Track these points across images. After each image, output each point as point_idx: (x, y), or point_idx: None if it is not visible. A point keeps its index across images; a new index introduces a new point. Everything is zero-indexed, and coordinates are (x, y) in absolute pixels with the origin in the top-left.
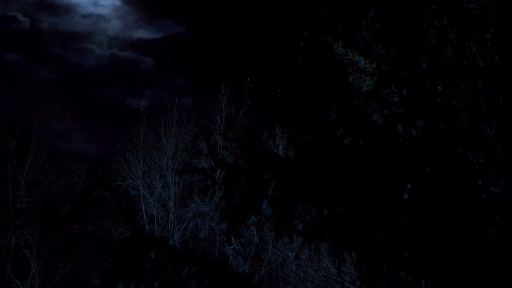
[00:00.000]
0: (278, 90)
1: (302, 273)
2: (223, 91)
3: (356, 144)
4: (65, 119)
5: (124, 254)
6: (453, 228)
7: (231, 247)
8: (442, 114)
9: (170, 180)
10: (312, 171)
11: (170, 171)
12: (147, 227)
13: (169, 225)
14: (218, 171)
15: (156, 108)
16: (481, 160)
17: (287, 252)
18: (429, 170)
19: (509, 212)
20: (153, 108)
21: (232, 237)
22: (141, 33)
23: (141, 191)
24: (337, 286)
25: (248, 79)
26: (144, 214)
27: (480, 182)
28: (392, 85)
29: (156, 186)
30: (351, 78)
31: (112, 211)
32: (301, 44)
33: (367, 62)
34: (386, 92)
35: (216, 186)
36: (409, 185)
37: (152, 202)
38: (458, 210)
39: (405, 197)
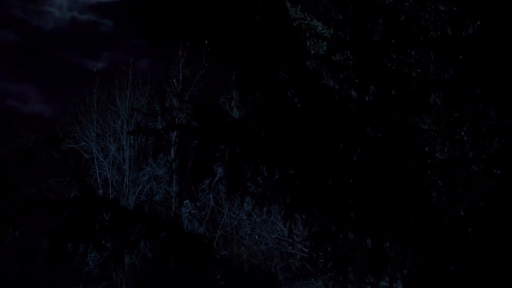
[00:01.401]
0: (235, 53)
1: (256, 236)
2: (180, 53)
3: (307, 106)
4: (14, 79)
5: (73, 215)
6: (398, 190)
7: (187, 210)
8: (394, 81)
9: (125, 143)
10: (262, 132)
11: (125, 133)
12: (101, 190)
13: (124, 189)
14: (174, 133)
15: (114, 70)
16: (428, 128)
17: (242, 215)
18: (378, 135)
19: (450, 176)
20: (111, 70)
21: (188, 200)
22: None
23: (94, 154)
24: (290, 247)
25: (206, 42)
26: (98, 178)
27: (426, 148)
28: (347, 51)
29: (111, 149)
30: (308, 43)
31: (61, 173)
32: (260, 6)
33: (325, 27)
34: (342, 58)
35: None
36: (358, 149)
37: (106, 165)
38: (404, 174)
39: (354, 160)
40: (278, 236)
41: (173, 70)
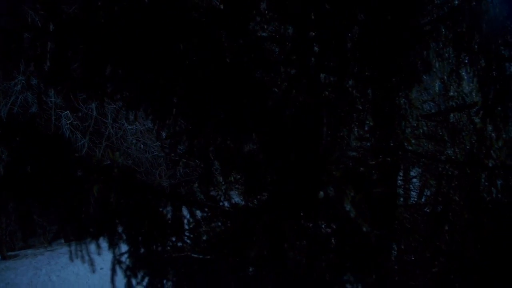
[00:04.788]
0: None
1: (142, 145)
2: None
3: (154, 7)
4: None
5: None
6: (247, 92)
7: (68, 122)
8: None
9: None
10: (113, 33)
11: None
12: None
13: None
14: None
15: None
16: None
17: (127, 125)
18: (225, 42)
19: (292, 79)
20: None
21: (68, 111)
22: None
23: None
24: (173, 155)
25: None
26: None
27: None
28: None
29: None
30: None
31: None
32: None
33: None
34: None
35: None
36: (211, 55)
37: None
38: (255, 80)
39: (206, 65)
40: (160, 144)
41: None
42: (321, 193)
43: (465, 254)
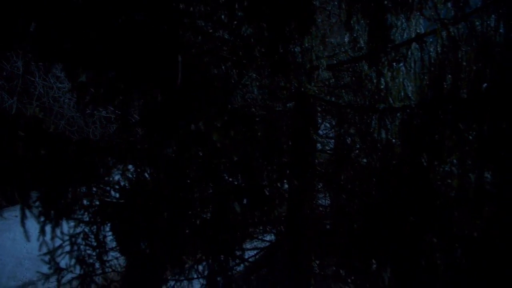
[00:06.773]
0: None
1: (74, 104)
2: None
3: None
4: None
5: None
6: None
7: None
8: None
9: None
10: None
11: None
12: None
13: None
14: None
15: None
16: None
17: (58, 83)
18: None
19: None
20: None
21: None
22: None
23: None
24: (104, 111)
25: None
26: None
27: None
28: None
29: None
30: None
31: None
32: None
33: None
34: None
35: None
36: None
37: None
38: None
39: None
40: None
41: None
42: (192, 125)
43: (364, 192)
